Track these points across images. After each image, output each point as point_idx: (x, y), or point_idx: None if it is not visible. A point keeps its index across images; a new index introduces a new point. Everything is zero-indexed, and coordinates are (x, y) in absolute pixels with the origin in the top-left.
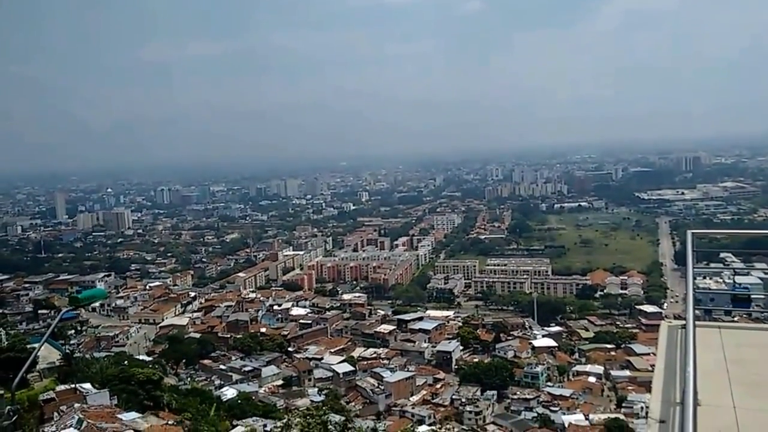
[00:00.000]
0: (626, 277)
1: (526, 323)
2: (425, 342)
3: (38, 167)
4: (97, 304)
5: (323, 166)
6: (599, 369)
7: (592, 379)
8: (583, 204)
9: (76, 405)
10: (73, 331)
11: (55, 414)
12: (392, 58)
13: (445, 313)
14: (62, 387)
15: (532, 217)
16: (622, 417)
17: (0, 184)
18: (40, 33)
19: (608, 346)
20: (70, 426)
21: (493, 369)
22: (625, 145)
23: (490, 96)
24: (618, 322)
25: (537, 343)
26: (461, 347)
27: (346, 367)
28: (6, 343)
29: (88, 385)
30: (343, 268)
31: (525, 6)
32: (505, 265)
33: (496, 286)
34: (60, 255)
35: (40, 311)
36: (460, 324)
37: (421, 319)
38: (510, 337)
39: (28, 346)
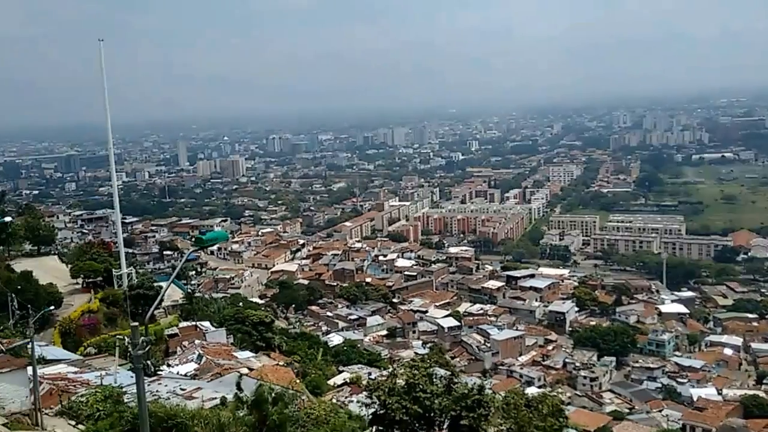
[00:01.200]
0: None
1: (653, 286)
2: (536, 301)
3: (163, 116)
4: (215, 247)
5: (431, 114)
6: (738, 340)
7: (728, 351)
8: (727, 155)
9: (197, 341)
10: (194, 272)
11: (178, 348)
12: None
13: (560, 271)
14: (184, 324)
15: (665, 169)
16: (762, 394)
17: (130, 133)
18: None
19: (750, 315)
20: (191, 360)
21: (612, 334)
22: None
23: (618, 31)
24: (763, 290)
25: (665, 308)
26: (576, 308)
27: (452, 322)
28: (136, 280)
29: (207, 323)
30: (450, 221)
31: None
32: (631, 221)
33: (618, 245)
34: (182, 200)
35: (165, 252)
36: (576, 284)
37: (532, 276)
38: (633, 301)
39: (155, 284)
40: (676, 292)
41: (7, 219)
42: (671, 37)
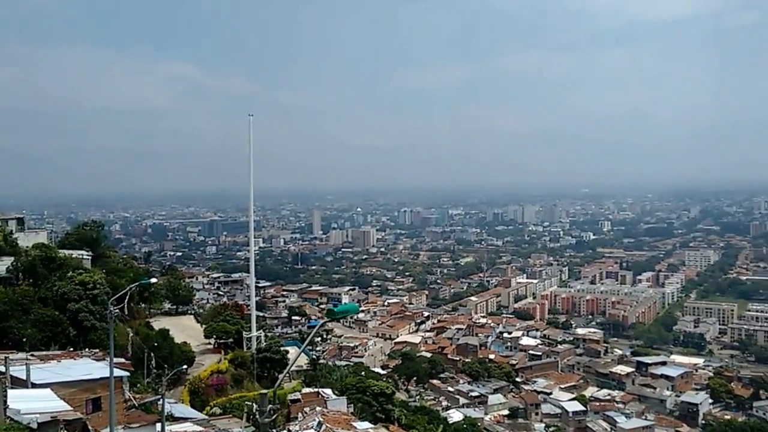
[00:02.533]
0: None
1: None
2: (668, 390)
3: (301, 186)
4: None
5: (563, 193)
6: None
7: None
8: None
9: (318, 408)
10: (319, 339)
11: (300, 414)
12: (643, 78)
13: (693, 360)
14: (307, 389)
15: None
16: None
17: (269, 201)
18: (310, 65)
19: None
20: (311, 427)
21: (749, 429)
22: None
23: (763, 118)
24: None
25: None
26: (710, 400)
27: (577, 406)
28: (264, 344)
29: (329, 391)
30: (579, 301)
31: None
32: None
33: (757, 335)
34: (313, 267)
35: (293, 317)
36: (711, 374)
37: (664, 363)
38: None
39: (282, 349)
40: None
41: (153, 280)
42: None
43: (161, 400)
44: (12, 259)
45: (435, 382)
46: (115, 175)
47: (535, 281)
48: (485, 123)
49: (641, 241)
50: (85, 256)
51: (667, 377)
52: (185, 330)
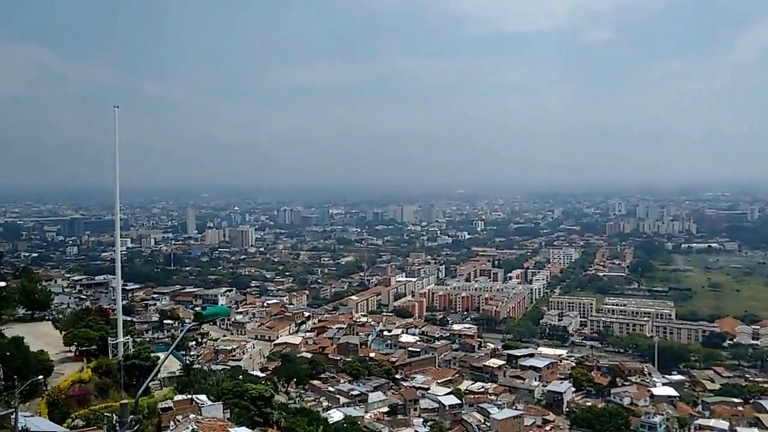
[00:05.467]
0: (759, 327)
1: (645, 369)
2: (535, 380)
3: (173, 183)
4: None
5: (440, 194)
6: (724, 424)
7: None
8: (713, 245)
9: (191, 416)
10: (193, 343)
11: (172, 422)
12: (512, 87)
13: (558, 351)
14: (180, 397)
15: (657, 256)
16: None
17: (138, 198)
18: (178, 56)
19: (735, 400)
20: None
21: (608, 415)
22: (763, 185)
23: (613, 127)
24: (748, 375)
25: (656, 391)
26: (573, 389)
27: (453, 400)
28: (132, 350)
29: (203, 397)
30: (455, 298)
31: (656, 35)
32: (625, 305)
33: (613, 327)
34: (187, 268)
35: (165, 321)
36: (574, 364)
37: (532, 355)
38: (627, 383)
39: (152, 355)
40: (666, 375)
41: (2, 283)
42: (663, 132)
43: (14, 413)
44: None
45: (315, 382)
46: None
47: (413, 279)
48: (364, 122)
49: (511, 240)
50: None
51: (534, 368)
52: (42, 337)
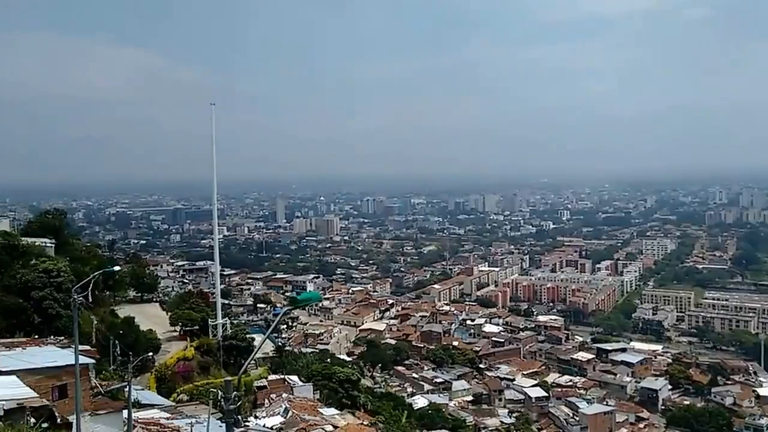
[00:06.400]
0: None
1: (750, 368)
2: (628, 376)
3: (264, 175)
4: None
5: (522, 183)
6: None
7: None
8: None
9: (284, 395)
10: (285, 326)
11: (266, 400)
12: (598, 71)
13: (652, 346)
14: (273, 377)
15: (763, 248)
16: None
17: (233, 190)
18: (266, 54)
19: None
20: (278, 413)
21: (707, 415)
22: None
23: (711, 111)
24: None
25: (763, 391)
26: (670, 386)
27: (539, 392)
28: (230, 331)
29: (295, 378)
30: (540, 289)
31: (757, 13)
32: (727, 299)
33: (714, 323)
34: (278, 255)
35: (258, 305)
36: (670, 361)
37: (624, 350)
38: (729, 382)
39: (248, 336)
40: None
41: (117, 268)
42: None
43: (127, 387)
44: None
45: (400, 368)
46: (77, 163)
47: (496, 269)
48: (444, 113)
49: (600, 230)
50: (48, 244)
51: (627, 363)
52: (150, 318)
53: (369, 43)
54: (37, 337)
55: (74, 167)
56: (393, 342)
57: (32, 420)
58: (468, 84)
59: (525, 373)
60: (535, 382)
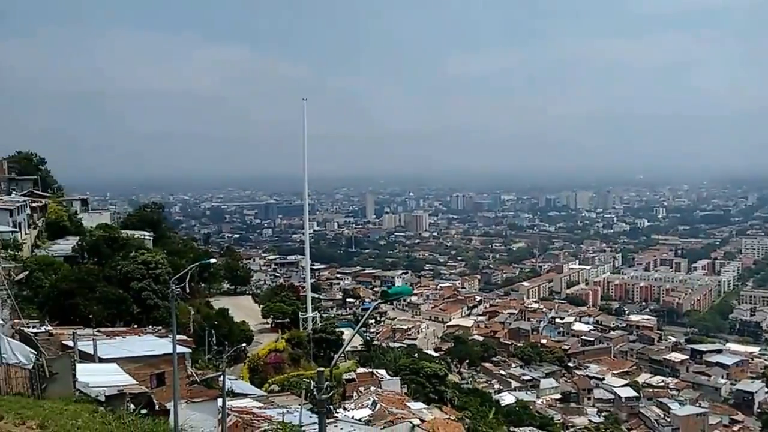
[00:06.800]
0: None
1: None
2: (723, 378)
3: (353, 170)
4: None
5: (616, 179)
6: None
7: None
8: None
9: (372, 388)
10: (373, 321)
11: (355, 393)
12: (697, 63)
13: (749, 348)
14: (362, 370)
15: None
16: None
17: (323, 185)
18: (356, 49)
19: None
20: (366, 406)
21: None
22: None
23: None
24: None
25: None
26: (767, 389)
27: (629, 392)
28: (320, 324)
29: (383, 371)
30: (632, 288)
31: None
32: None
33: None
34: (367, 251)
35: (347, 299)
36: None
37: (719, 351)
38: None
39: (337, 329)
40: None
41: (213, 260)
42: None
43: (222, 376)
44: (77, 238)
45: (487, 365)
46: (173, 158)
47: (587, 267)
48: (536, 108)
49: (697, 228)
50: (146, 237)
51: (722, 365)
52: (243, 309)
53: (458, 37)
54: (136, 326)
55: (171, 162)
56: (480, 338)
57: (132, 406)
58: (559, 77)
59: (615, 372)
60: (625, 381)
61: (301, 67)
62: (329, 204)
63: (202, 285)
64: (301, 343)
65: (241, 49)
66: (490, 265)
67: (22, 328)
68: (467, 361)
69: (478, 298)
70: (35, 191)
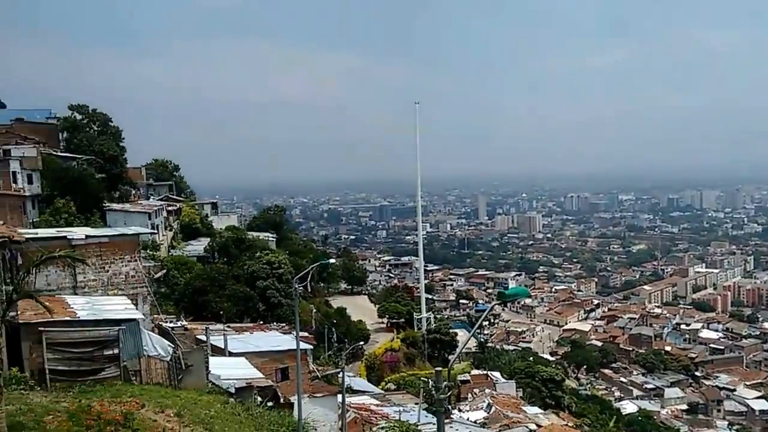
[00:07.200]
0: None
1: None
2: None
3: (465, 171)
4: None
5: (747, 177)
6: None
7: None
8: None
9: (487, 390)
10: (487, 323)
11: (469, 394)
12: None
13: None
14: (476, 371)
15: None
16: None
17: (435, 187)
18: (464, 52)
19: None
20: (481, 408)
21: None
22: None
23: None
24: None
25: None
26: None
27: (764, 405)
28: (434, 325)
29: (497, 374)
30: (766, 293)
31: None
32: None
33: None
34: (479, 252)
35: (461, 301)
36: None
37: None
38: None
39: (451, 331)
40: None
41: (332, 260)
42: None
43: (341, 373)
44: (208, 239)
45: (606, 371)
46: (293, 163)
47: (715, 271)
48: (653, 102)
49: None
50: (270, 238)
51: None
52: (360, 309)
53: (568, 31)
54: (261, 323)
55: (291, 167)
56: (599, 344)
57: (259, 398)
58: (676, 69)
59: (748, 383)
60: (759, 393)
61: (415, 71)
62: (442, 205)
63: (321, 284)
64: (415, 343)
65: (355, 56)
66: (608, 268)
67: (160, 323)
68: (585, 366)
69: (596, 302)
70: (170, 196)
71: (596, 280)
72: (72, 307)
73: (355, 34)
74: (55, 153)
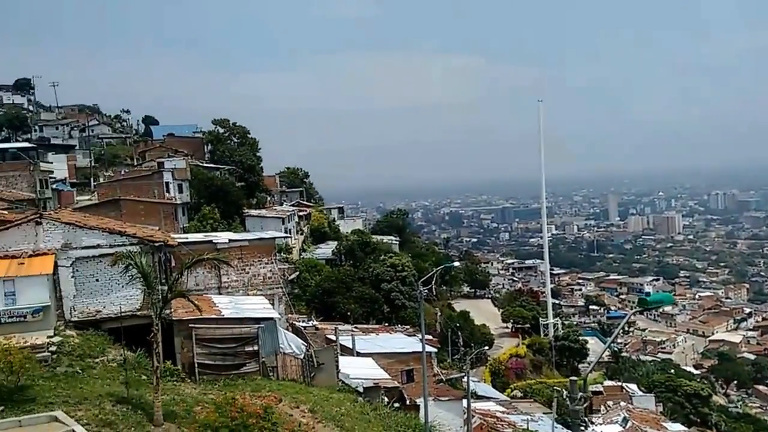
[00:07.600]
0: None
1: None
2: None
3: (593, 170)
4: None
5: None
6: None
7: None
8: None
9: (622, 403)
10: (621, 331)
11: (602, 407)
12: None
13: None
14: (609, 383)
15: None
16: None
17: (560, 187)
18: (591, 45)
19: None
20: (616, 422)
21: None
22: None
23: None
24: None
25: None
26: None
27: None
28: (561, 331)
29: (633, 386)
30: None
31: None
32: None
33: None
34: (610, 255)
35: (590, 306)
36: None
37: None
38: None
39: (580, 338)
40: None
41: (455, 264)
42: None
43: (466, 377)
44: (336, 243)
45: (761, 388)
46: (411, 166)
47: None
48: None
49: None
50: (393, 241)
51: None
52: (483, 313)
53: (702, 19)
54: (387, 324)
55: (410, 171)
56: (752, 357)
57: (385, 399)
58: None
59: None
60: None
61: (534, 69)
62: (567, 207)
63: (444, 287)
64: (542, 350)
65: (474, 57)
66: (761, 273)
67: (294, 322)
68: (735, 381)
69: (747, 310)
70: (301, 201)
71: (747, 286)
72: (217, 306)
73: (475, 35)
74: (201, 164)
